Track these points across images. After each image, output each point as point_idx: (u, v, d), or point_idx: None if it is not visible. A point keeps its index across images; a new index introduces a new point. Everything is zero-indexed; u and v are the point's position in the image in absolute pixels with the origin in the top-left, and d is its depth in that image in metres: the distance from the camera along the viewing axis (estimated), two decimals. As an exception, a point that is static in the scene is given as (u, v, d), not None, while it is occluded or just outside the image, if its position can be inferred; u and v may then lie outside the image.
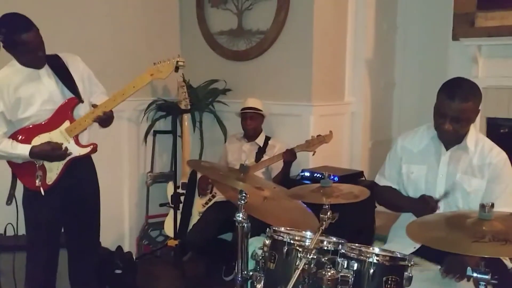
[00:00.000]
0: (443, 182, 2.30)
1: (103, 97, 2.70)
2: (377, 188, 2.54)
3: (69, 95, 2.59)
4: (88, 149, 2.65)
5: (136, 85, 2.62)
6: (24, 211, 2.66)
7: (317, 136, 3.46)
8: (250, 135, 3.72)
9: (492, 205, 1.61)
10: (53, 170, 2.58)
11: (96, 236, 2.90)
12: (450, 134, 2.23)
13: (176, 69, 2.63)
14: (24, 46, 2.42)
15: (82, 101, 2.62)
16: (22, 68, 2.53)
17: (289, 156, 3.47)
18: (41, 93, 2.54)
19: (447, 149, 2.31)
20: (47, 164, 2.57)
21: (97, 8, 3.82)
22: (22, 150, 2.51)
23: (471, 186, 2.24)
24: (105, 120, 2.61)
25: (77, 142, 2.61)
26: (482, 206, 1.61)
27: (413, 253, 2.06)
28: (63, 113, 2.57)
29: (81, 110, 2.64)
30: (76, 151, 2.61)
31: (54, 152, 2.53)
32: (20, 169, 2.61)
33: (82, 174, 2.69)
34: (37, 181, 2.54)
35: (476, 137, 2.31)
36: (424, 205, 2.20)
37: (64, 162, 2.58)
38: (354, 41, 4.07)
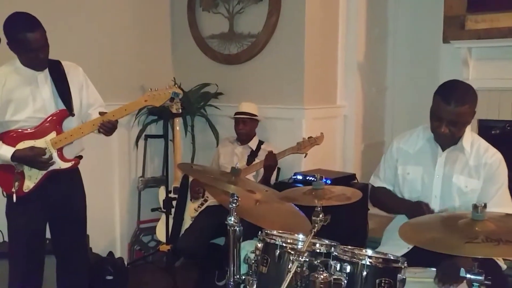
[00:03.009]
0: (439, 183, 2.29)
1: (101, 110, 2.64)
2: (372, 190, 2.53)
3: (62, 106, 2.55)
4: (69, 164, 2.60)
5: (128, 108, 2.61)
6: (6, 219, 2.61)
7: (308, 138, 3.44)
8: (243, 139, 3.70)
9: (485, 206, 1.60)
10: (32, 178, 2.53)
11: (83, 244, 2.87)
12: (447, 137, 2.23)
13: (172, 99, 2.62)
14: (26, 45, 2.38)
15: (73, 115, 2.57)
16: (21, 68, 2.49)
17: (268, 159, 3.39)
18: (35, 99, 2.50)
19: (443, 150, 2.31)
20: (27, 172, 2.52)
21: (87, 11, 3.80)
22: (5, 151, 2.45)
23: (468, 187, 2.24)
24: (109, 129, 2.55)
25: (60, 156, 2.56)
26: (475, 207, 1.60)
27: (406, 256, 2.05)
28: (51, 124, 2.53)
29: (72, 123, 2.59)
30: (57, 164, 2.56)
31: (37, 158, 2.48)
32: None
33: (66, 184, 2.64)
34: (13, 187, 2.49)
35: (471, 138, 2.31)
36: (419, 211, 2.17)
37: (43, 172, 2.53)
38: (345, 44, 4.07)
